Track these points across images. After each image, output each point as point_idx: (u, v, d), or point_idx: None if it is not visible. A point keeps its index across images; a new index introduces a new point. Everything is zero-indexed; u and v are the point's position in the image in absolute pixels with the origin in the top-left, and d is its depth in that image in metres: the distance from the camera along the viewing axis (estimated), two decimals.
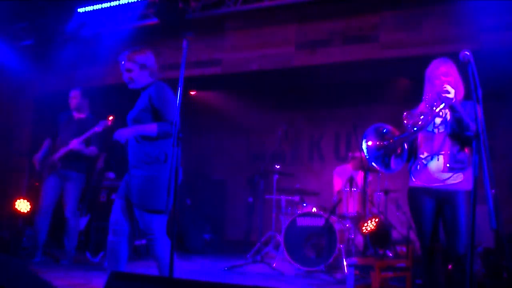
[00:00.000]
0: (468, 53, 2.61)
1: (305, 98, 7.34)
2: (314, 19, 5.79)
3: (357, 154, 6.47)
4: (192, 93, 7.31)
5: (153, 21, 6.11)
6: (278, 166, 6.52)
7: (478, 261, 4.76)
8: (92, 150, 5.21)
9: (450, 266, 4.25)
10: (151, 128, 3.24)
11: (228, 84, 7.13)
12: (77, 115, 5.40)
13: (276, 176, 6.44)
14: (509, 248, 4.96)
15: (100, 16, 6.47)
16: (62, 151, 5.14)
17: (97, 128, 5.02)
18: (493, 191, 2.41)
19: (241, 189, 8.09)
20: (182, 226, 6.97)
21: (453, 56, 3.01)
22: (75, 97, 5.38)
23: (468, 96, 2.67)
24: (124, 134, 3.28)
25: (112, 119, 5.14)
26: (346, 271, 4.93)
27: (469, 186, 2.99)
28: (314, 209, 5.85)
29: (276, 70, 6.10)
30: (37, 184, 6.02)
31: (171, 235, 3.00)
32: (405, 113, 3.15)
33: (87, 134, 5.08)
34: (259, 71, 6.10)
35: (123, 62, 3.41)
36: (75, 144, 5.06)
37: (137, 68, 3.40)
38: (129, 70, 3.41)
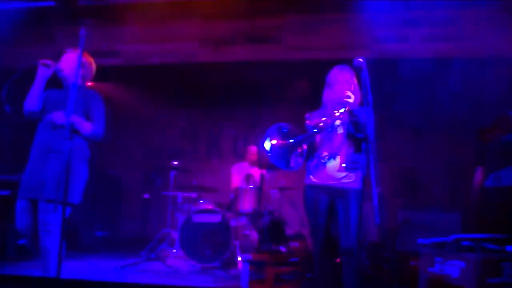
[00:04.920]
0: (361, 60, 2.78)
1: (206, 95, 7.35)
2: (219, 17, 5.82)
3: (254, 151, 6.62)
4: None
5: (50, 4, 5.72)
6: (176, 162, 6.45)
7: (363, 254, 5.11)
8: None
9: (338, 260, 4.52)
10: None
11: (127, 76, 6.91)
12: None
13: (173, 172, 6.36)
14: (391, 241, 5.39)
15: None
16: None
17: None
18: (378, 189, 2.57)
19: (137, 185, 7.88)
20: (72, 223, 6.63)
21: (349, 62, 3.20)
22: None
23: (363, 101, 2.85)
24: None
25: None
26: (240, 267, 5.03)
27: (359, 184, 3.22)
28: (210, 206, 5.88)
29: (178, 65, 6.04)
30: None
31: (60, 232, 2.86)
32: (307, 114, 3.31)
33: None
34: (160, 65, 5.99)
35: None
36: None
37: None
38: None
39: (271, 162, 3.16)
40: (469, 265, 3.12)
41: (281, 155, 3.16)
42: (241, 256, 5.47)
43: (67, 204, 3.12)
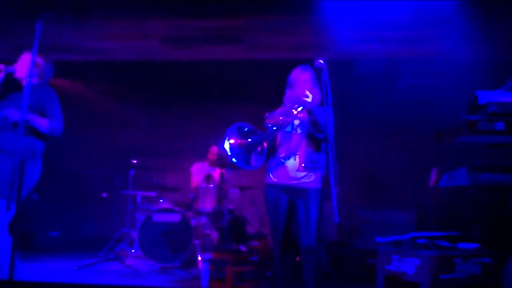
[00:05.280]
0: (322, 62, 2.82)
1: (168, 92, 7.25)
2: (181, 16, 5.77)
3: (214, 151, 6.60)
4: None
5: None
6: (135, 161, 6.35)
7: (322, 252, 5.18)
8: None
9: (297, 258, 4.57)
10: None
11: (88, 72, 6.77)
12: None
13: (132, 171, 6.26)
14: (349, 240, 5.49)
15: None
16: None
17: None
18: (337, 189, 2.61)
19: (95, 184, 7.70)
20: (27, 223, 6.43)
21: (310, 63, 3.23)
22: None
23: (323, 101, 2.89)
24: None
25: None
26: (201, 266, 5.00)
27: (319, 184, 3.26)
28: (170, 205, 5.84)
29: (140, 62, 5.96)
30: None
31: (12, 232, 2.77)
32: (266, 114, 3.32)
33: None
34: (122, 61, 5.90)
35: None
36: None
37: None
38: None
39: (231, 162, 3.16)
40: (423, 262, 3.21)
41: (241, 154, 3.17)
42: (201, 256, 5.45)
43: (13, 200, 3.01)
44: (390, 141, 7.67)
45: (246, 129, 3.22)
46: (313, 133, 3.26)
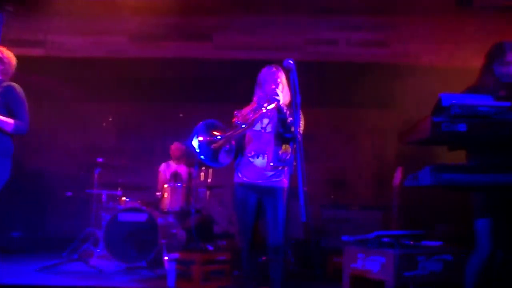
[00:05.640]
0: (291, 62, 2.83)
1: (136, 90, 7.13)
2: (151, 12, 5.70)
3: (176, 147, 6.55)
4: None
5: None
6: (101, 159, 6.23)
7: (289, 251, 5.22)
8: None
9: (264, 258, 4.59)
10: None
11: (53, 68, 6.58)
12: None
13: (98, 169, 6.15)
14: (315, 239, 5.55)
15: None
16: None
17: None
18: (305, 188, 2.63)
19: (59, 182, 7.52)
20: None
21: (280, 63, 3.25)
22: None
23: (292, 101, 2.91)
24: None
25: None
26: (167, 266, 4.96)
27: (287, 183, 3.29)
28: (137, 204, 5.77)
29: (108, 59, 5.85)
30: None
31: None
32: (235, 111, 3.32)
33: None
34: (89, 58, 5.78)
35: None
36: None
37: None
38: None
39: (200, 159, 3.15)
40: (388, 260, 3.28)
41: (210, 152, 3.16)
42: (168, 255, 5.40)
43: None
44: (358, 141, 7.80)
45: (214, 126, 3.21)
46: (282, 132, 3.28)
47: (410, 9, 5.65)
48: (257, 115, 3.23)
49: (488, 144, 2.81)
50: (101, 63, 5.97)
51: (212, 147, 3.16)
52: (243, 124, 3.21)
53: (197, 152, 3.11)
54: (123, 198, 6.04)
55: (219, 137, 3.18)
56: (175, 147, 6.59)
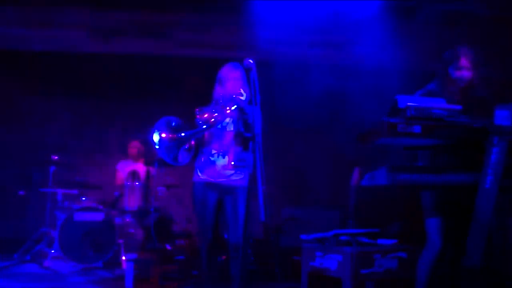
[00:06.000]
0: (251, 61, 2.84)
1: (94, 86, 6.96)
2: (111, 7, 5.57)
3: (138, 146, 6.46)
4: None
5: None
6: (56, 157, 6.07)
7: (249, 250, 5.23)
8: None
9: (224, 256, 4.59)
10: None
11: (2, 62, 6.35)
12: None
13: (52, 168, 5.98)
14: (274, 238, 5.59)
15: None
16: None
17: None
18: (264, 187, 2.65)
19: (11, 180, 7.26)
20: None
21: (239, 61, 3.25)
22: None
23: (251, 100, 2.91)
24: None
25: None
26: (125, 266, 4.89)
27: (247, 182, 3.28)
28: (94, 203, 5.65)
29: (64, 54, 5.69)
30: None
31: None
32: (197, 110, 3.30)
33: None
34: (43, 52, 5.60)
35: None
36: None
37: None
38: None
39: (159, 156, 3.11)
40: (345, 258, 3.34)
41: (169, 149, 3.13)
42: (125, 255, 5.32)
43: None
44: (317, 141, 7.89)
45: (175, 124, 3.18)
46: (243, 132, 3.29)
47: None
48: (219, 116, 3.22)
49: (441, 145, 2.91)
50: (57, 57, 5.79)
51: (171, 145, 3.12)
52: (204, 123, 3.19)
53: (156, 148, 3.07)
54: (79, 197, 5.90)
55: (179, 135, 3.15)
56: (133, 145, 6.49)
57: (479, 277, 2.53)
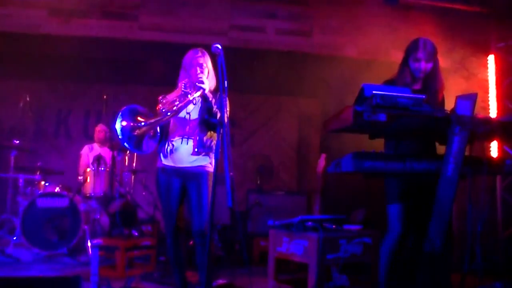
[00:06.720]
0: (219, 47, 2.81)
1: (55, 68, 6.74)
2: None
3: (101, 128, 6.34)
4: None
5: None
6: (17, 141, 5.90)
7: (216, 236, 5.24)
8: None
9: (191, 242, 4.58)
10: None
11: None
12: None
13: (14, 152, 5.82)
14: (241, 224, 5.61)
15: None
16: None
17: None
18: (231, 173, 2.64)
19: None
20: None
21: (206, 47, 3.21)
22: None
23: (218, 86, 2.88)
24: None
25: None
26: (90, 253, 4.82)
27: (212, 168, 3.27)
28: (57, 189, 5.54)
29: (22, 34, 5.47)
30: None
31: None
32: (160, 97, 3.25)
33: None
34: (3, 32, 5.38)
35: None
36: None
37: None
38: None
39: (123, 145, 3.06)
40: (311, 243, 3.39)
41: (133, 138, 3.08)
42: (91, 242, 5.24)
43: None
44: (283, 128, 7.94)
45: (138, 112, 3.13)
46: (208, 118, 3.26)
47: (335, 1, 5.78)
48: (182, 103, 3.18)
49: (405, 133, 2.96)
50: (17, 37, 5.57)
51: (135, 133, 3.08)
52: (168, 111, 3.15)
53: (119, 137, 3.03)
54: (42, 183, 5.76)
55: (142, 123, 3.11)
56: (99, 129, 6.36)
57: (439, 261, 2.60)
